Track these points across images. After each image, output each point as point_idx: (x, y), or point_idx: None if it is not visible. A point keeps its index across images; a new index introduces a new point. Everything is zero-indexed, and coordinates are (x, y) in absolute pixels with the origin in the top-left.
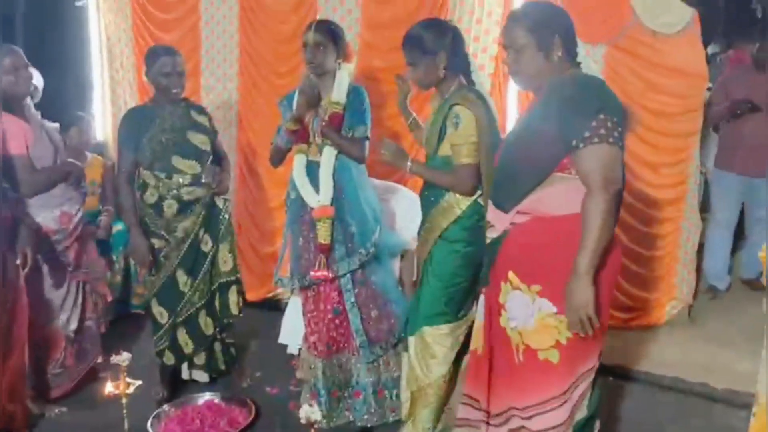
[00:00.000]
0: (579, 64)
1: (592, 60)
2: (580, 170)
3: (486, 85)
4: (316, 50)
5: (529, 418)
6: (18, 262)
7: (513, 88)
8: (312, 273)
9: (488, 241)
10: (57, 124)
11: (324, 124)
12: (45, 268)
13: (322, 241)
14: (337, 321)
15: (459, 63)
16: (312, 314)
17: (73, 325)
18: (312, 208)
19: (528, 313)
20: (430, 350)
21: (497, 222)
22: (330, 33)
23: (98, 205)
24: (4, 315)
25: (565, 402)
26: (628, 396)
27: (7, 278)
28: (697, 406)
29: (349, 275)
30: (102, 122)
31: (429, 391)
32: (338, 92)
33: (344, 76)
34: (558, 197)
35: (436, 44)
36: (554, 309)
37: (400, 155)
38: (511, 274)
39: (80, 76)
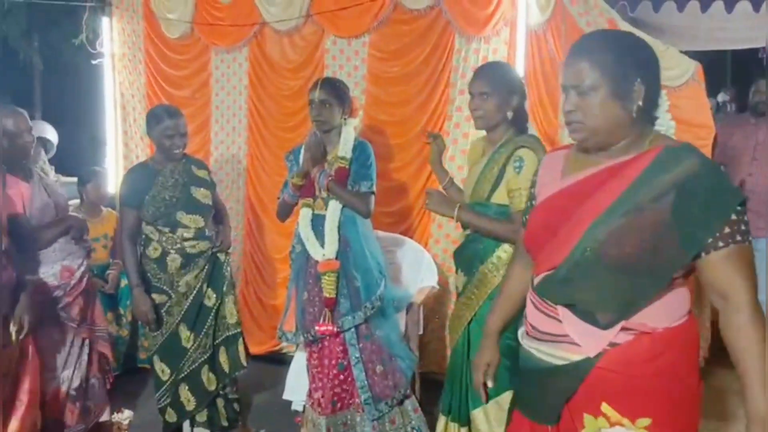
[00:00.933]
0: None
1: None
2: (717, 277)
3: None
4: (321, 107)
5: None
6: (13, 328)
7: None
8: (317, 327)
9: (550, 360)
10: (75, 178)
11: (330, 179)
12: (46, 326)
13: (327, 295)
14: (341, 376)
15: (521, 115)
16: (316, 370)
17: (76, 383)
18: (317, 262)
19: None
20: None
21: (587, 340)
22: (335, 91)
23: (109, 259)
24: (8, 375)
25: None
26: None
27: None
28: None
29: (353, 330)
30: (115, 176)
31: None
32: (344, 147)
33: (350, 131)
34: (666, 305)
35: (514, 84)
36: None
37: (445, 202)
38: (606, 408)
39: (95, 131)
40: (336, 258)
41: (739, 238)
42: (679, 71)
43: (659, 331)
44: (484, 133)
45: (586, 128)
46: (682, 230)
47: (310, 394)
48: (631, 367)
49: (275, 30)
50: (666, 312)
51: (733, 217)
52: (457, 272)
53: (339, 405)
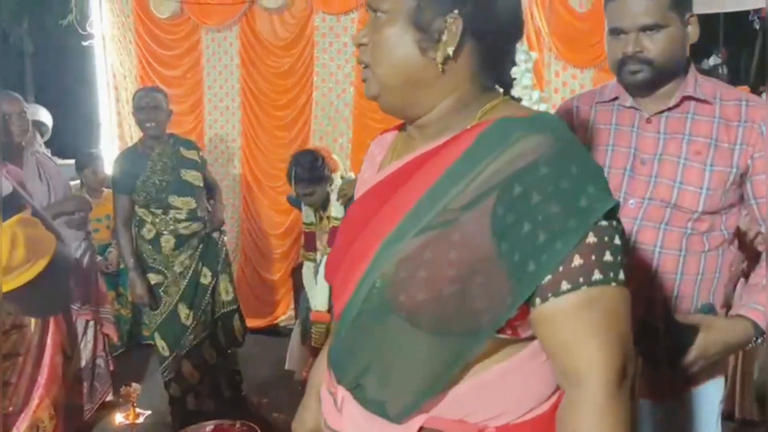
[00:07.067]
0: (507, 90)
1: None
2: (552, 342)
3: None
4: (307, 198)
5: None
6: None
7: None
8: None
9: None
10: (72, 161)
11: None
12: None
13: (314, 344)
14: None
15: None
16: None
17: (82, 363)
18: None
19: None
20: None
21: None
22: (312, 180)
23: (111, 239)
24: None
25: None
26: None
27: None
28: None
29: None
30: (111, 158)
31: None
32: (335, 209)
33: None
34: (502, 384)
35: None
36: None
37: None
38: None
39: (88, 113)
40: (328, 310)
41: (598, 275)
42: None
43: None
44: None
45: (373, 80)
46: (507, 256)
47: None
48: None
49: (264, 8)
50: (502, 395)
51: (590, 239)
52: None
53: None
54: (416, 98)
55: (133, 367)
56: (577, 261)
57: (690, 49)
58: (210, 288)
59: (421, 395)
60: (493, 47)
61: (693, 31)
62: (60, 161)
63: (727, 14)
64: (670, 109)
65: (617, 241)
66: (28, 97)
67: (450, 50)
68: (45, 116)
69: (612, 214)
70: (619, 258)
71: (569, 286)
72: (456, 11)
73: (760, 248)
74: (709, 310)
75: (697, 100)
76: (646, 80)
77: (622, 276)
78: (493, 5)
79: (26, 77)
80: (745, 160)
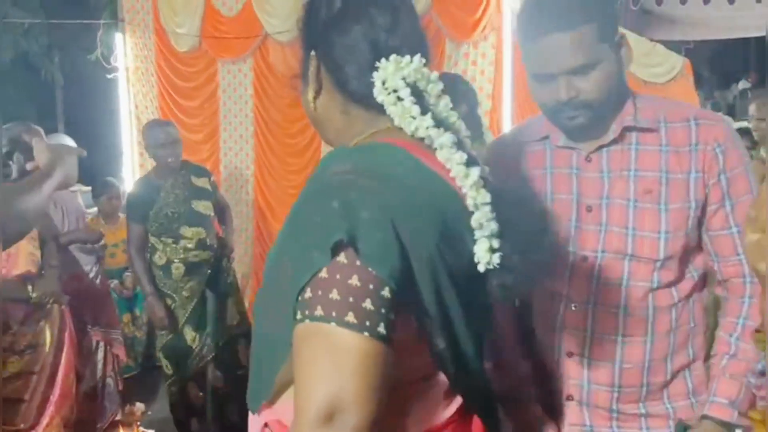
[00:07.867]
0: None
1: None
2: None
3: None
4: None
5: None
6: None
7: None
8: None
9: None
10: (89, 188)
11: None
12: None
13: None
14: None
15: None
16: None
17: (92, 383)
18: None
19: None
20: None
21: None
22: None
23: (127, 263)
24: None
25: None
26: None
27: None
28: None
29: None
30: (132, 185)
31: None
32: None
33: None
34: None
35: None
36: None
37: None
38: None
39: (111, 142)
40: None
41: (320, 312)
42: (664, 68)
43: None
44: None
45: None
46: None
47: None
48: None
49: (277, 41)
50: None
51: (323, 274)
52: None
53: None
54: (326, 137)
55: (146, 388)
56: (308, 294)
57: (719, 75)
58: (217, 312)
59: (263, 392)
60: (348, 75)
61: (627, 54)
62: (84, 188)
63: (757, 39)
64: (609, 143)
65: (353, 282)
66: (57, 126)
67: (314, 88)
68: (70, 144)
69: (359, 247)
70: (351, 299)
71: (300, 317)
72: (312, 51)
73: (717, 291)
74: (685, 428)
75: (639, 129)
76: (587, 123)
77: (351, 319)
78: (340, 36)
79: (57, 108)
80: (702, 191)
